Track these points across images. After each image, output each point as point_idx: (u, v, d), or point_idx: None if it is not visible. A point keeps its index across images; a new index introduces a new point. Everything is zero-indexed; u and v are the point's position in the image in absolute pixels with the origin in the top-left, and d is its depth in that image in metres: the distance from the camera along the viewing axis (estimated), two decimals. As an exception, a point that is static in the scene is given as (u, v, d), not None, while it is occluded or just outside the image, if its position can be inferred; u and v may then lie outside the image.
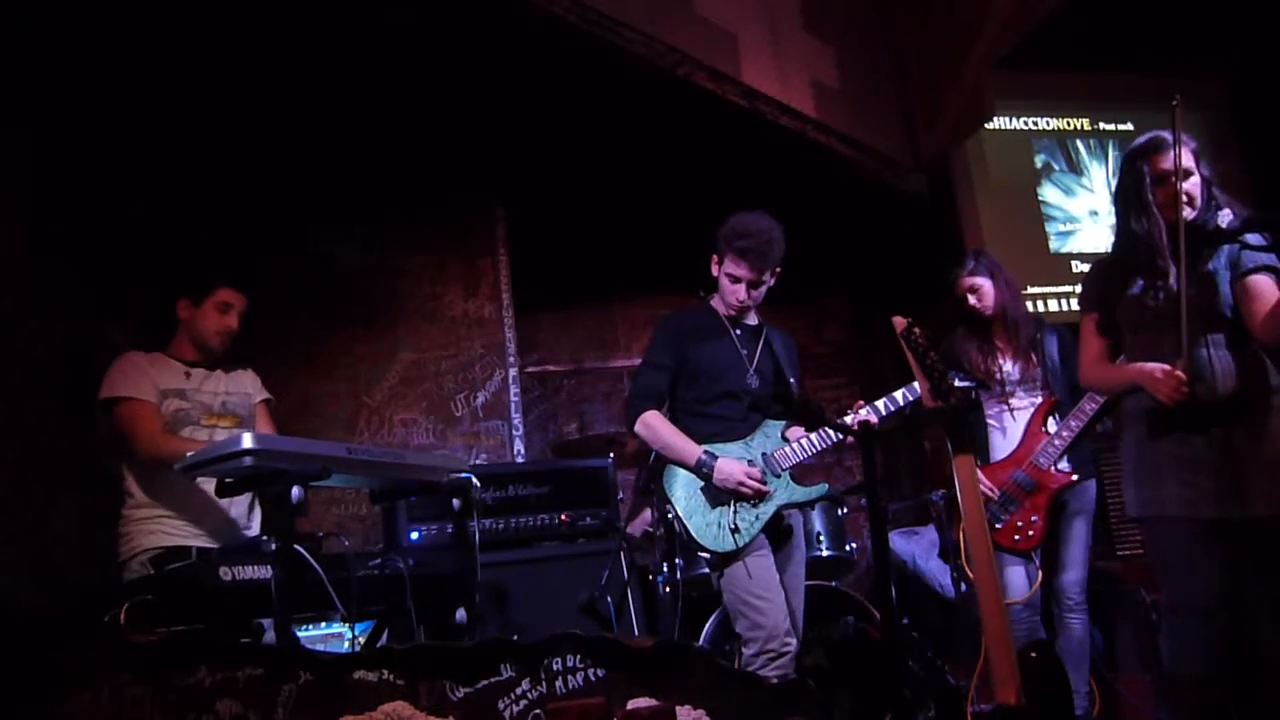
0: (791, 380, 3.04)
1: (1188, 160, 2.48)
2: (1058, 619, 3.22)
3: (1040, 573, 3.19)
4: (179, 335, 3.05)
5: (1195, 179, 2.49)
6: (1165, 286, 2.45)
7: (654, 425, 2.93)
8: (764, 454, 2.91)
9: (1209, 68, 5.60)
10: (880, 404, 2.94)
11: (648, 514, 3.72)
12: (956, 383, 2.40)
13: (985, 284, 3.42)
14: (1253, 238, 2.40)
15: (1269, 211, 2.38)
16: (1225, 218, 2.38)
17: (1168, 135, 2.50)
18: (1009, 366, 3.37)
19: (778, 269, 2.99)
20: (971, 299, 3.43)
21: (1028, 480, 3.19)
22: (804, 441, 2.92)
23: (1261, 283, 2.40)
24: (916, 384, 2.89)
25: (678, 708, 1.93)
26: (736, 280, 2.95)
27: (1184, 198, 2.45)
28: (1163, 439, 2.45)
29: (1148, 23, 4.99)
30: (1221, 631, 2.39)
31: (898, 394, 2.95)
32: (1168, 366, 2.38)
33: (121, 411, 2.84)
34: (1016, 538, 3.17)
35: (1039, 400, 3.30)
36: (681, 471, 2.90)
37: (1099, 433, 4.07)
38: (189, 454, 2.32)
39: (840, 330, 5.78)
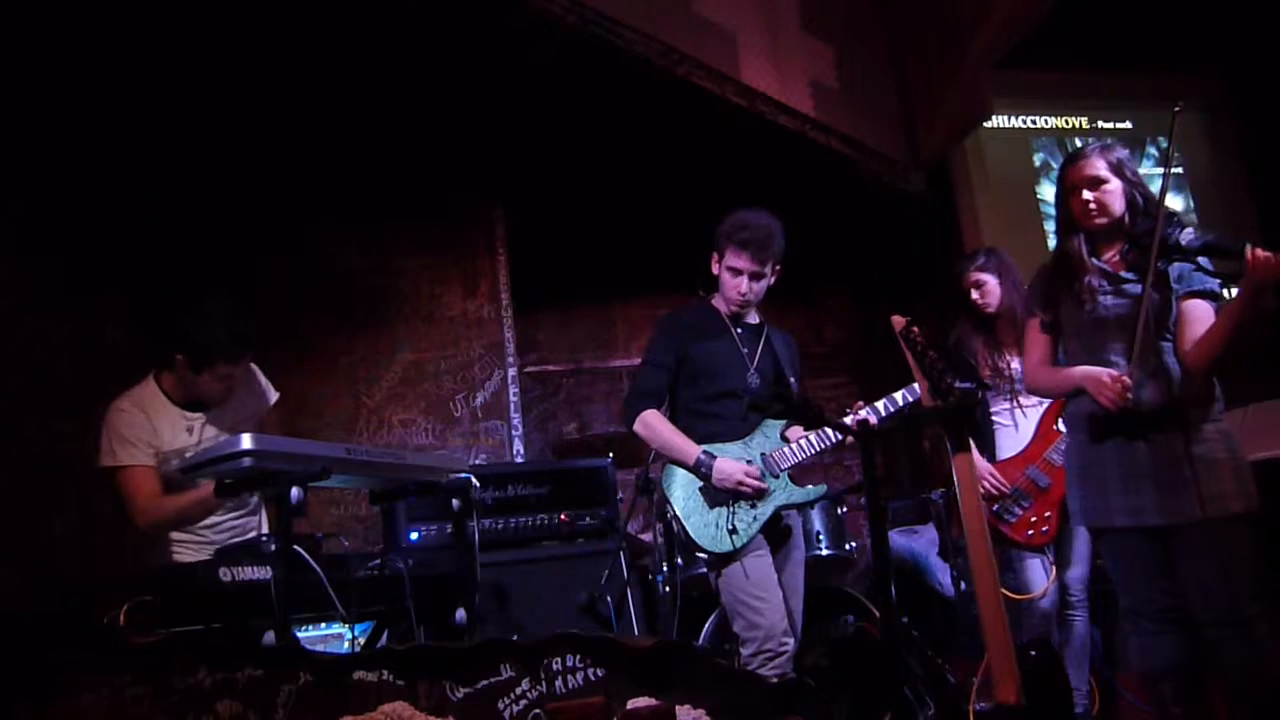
0: (792, 380, 3.04)
1: (1100, 168, 2.53)
2: (1062, 618, 3.21)
3: (1054, 569, 3.20)
4: (168, 377, 2.85)
5: (1111, 186, 2.52)
6: (1088, 295, 2.51)
7: (653, 424, 2.93)
8: (763, 454, 2.91)
9: (1208, 67, 5.60)
10: (880, 404, 2.94)
11: None
12: (956, 383, 2.40)
13: (991, 281, 3.42)
14: (1205, 262, 2.45)
15: (1226, 238, 2.39)
16: (1187, 235, 2.40)
17: (1086, 148, 2.59)
18: (1017, 364, 3.37)
19: (778, 266, 2.99)
20: (975, 294, 3.43)
21: (1042, 477, 3.20)
22: (803, 442, 2.92)
23: (1198, 307, 2.45)
24: (916, 385, 2.90)
25: (677, 707, 1.94)
26: (738, 273, 2.95)
27: (1092, 207, 2.52)
28: (1106, 445, 2.50)
29: (1147, 22, 4.99)
30: (1181, 628, 2.45)
31: (897, 395, 2.95)
32: (1114, 372, 2.43)
33: (118, 480, 2.77)
34: (1030, 534, 3.18)
35: (1049, 399, 3.32)
36: (680, 471, 2.89)
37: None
38: (187, 455, 2.32)
39: (840, 329, 5.79)
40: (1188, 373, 2.44)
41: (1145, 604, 2.50)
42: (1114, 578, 2.62)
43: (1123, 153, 2.57)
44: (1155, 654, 2.49)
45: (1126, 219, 2.53)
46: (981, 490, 3.29)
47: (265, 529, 2.96)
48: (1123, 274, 2.51)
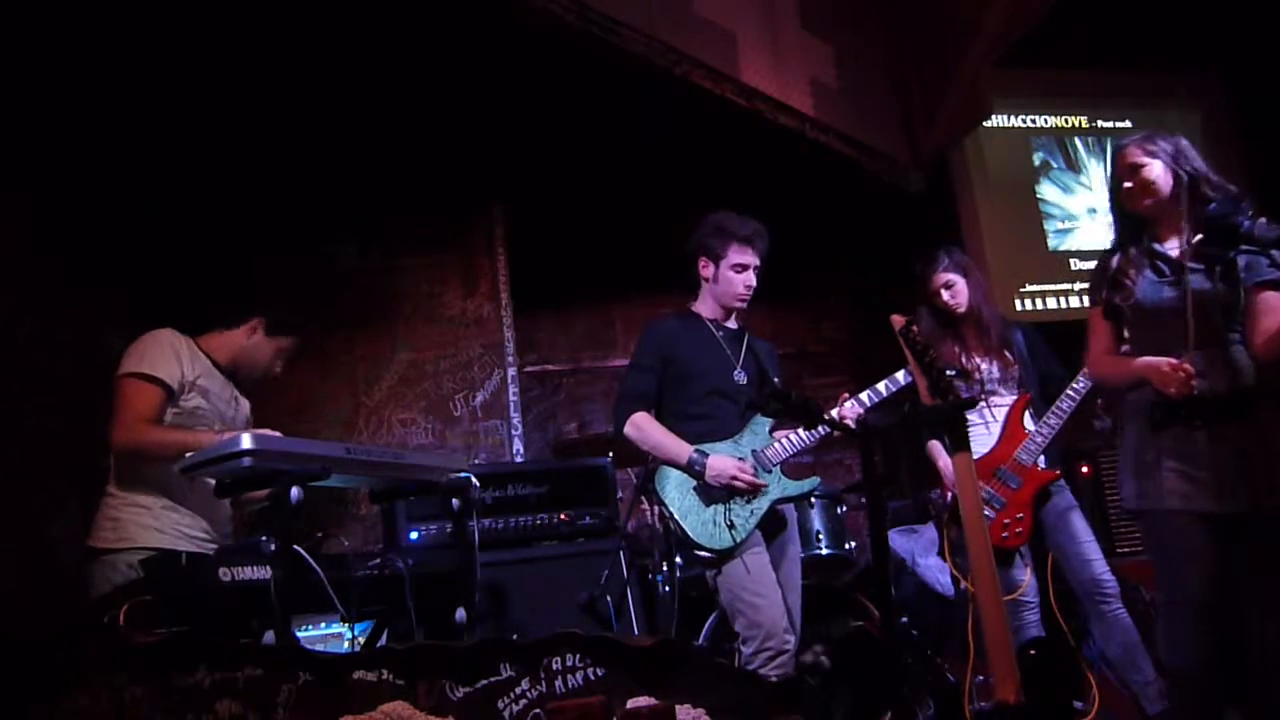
0: (775, 380, 3.07)
1: (1136, 155, 2.54)
2: (1101, 618, 3.16)
3: (1029, 570, 3.20)
4: (220, 338, 3.00)
5: (1150, 168, 2.51)
6: (1133, 281, 2.52)
7: (643, 426, 2.95)
8: (754, 451, 2.94)
9: (1207, 65, 5.60)
10: (865, 396, 2.98)
11: None
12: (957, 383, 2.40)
13: (960, 281, 3.41)
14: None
15: None
16: (1261, 225, 2.31)
17: (1126, 140, 2.61)
18: (986, 365, 3.37)
19: None
20: (945, 295, 3.41)
21: (1012, 478, 3.20)
22: (792, 437, 2.96)
23: (1269, 299, 2.39)
24: (899, 374, 2.93)
25: (677, 706, 1.94)
26: (743, 269, 3.03)
27: (1134, 191, 2.53)
28: (1164, 433, 2.46)
29: (1146, 20, 4.99)
30: (1216, 624, 2.41)
31: (880, 385, 2.99)
32: (1175, 360, 2.38)
33: (124, 385, 2.76)
34: (1005, 535, 3.17)
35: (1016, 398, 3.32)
36: (673, 472, 2.91)
37: (1097, 430, 4.08)
38: (188, 455, 2.32)
39: (838, 328, 5.77)
40: (1258, 364, 2.39)
41: (1182, 592, 2.44)
42: (1155, 564, 2.57)
43: (1165, 140, 2.55)
44: (1183, 649, 2.45)
45: (1182, 198, 2.49)
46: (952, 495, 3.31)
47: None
48: (1189, 264, 2.45)
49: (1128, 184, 2.55)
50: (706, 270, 3.09)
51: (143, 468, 2.78)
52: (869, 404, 2.97)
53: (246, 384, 3.09)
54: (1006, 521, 3.18)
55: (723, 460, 2.85)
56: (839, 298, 5.80)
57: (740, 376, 3.02)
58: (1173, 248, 2.52)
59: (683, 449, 2.88)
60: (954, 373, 3.20)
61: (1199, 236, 2.44)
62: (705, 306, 3.12)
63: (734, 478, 2.82)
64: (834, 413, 2.90)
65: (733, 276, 3.03)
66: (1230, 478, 2.36)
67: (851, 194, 5.08)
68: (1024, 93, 5.45)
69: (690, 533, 2.83)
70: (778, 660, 2.69)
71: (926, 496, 3.82)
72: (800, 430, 2.95)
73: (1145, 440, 2.52)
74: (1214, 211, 2.40)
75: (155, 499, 2.78)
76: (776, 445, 2.95)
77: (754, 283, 3.05)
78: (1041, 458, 3.23)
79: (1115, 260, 2.60)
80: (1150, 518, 2.53)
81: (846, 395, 3.00)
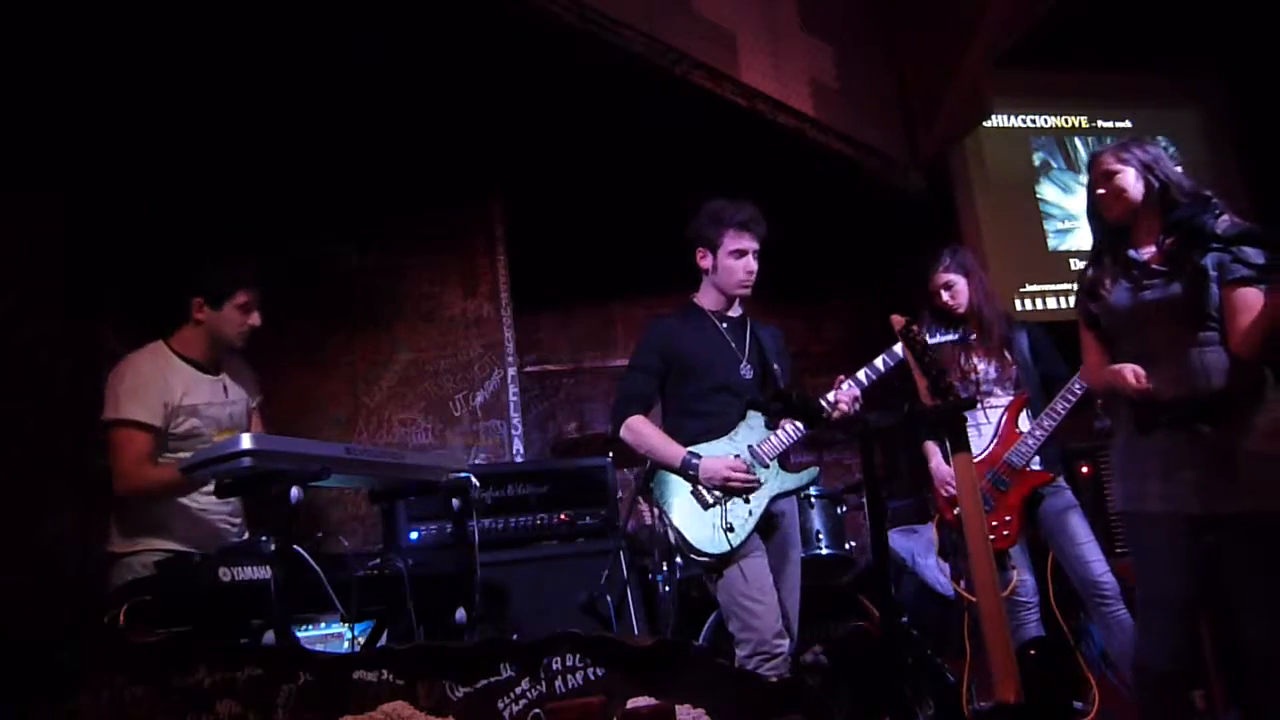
0: (776, 368, 3.04)
1: (1109, 162, 2.56)
2: (1102, 618, 3.17)
3: (1016, 571, 3.20)
4: (189, 331, 2.95)
5: (1122, 175, 2.52)
6: (1107, 288, 2.54)
7: (638, 429, 2.93)
8: (749, 446, 2.91)
9: (1206, 65, 5.60)
10: (861, 375, 2.96)
11: None
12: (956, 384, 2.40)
13: (960, 281, 3.40)
14: (1254, 253, 2.36)
15: (1270, 228, 2.33)
16: (1223, 224, 2.34)
17: (1101, 148, 2.65)
18: (983, 365, 3.36)
19: None
20: (945, 295, 3.41)
21: (1002, 480, 3.19)
22: (789, 428, 2.92)
23: (1247, 295, 2.39)
24: (896, 347, 2.90)
25: (677, 707, 1.94)
26: (742, 254, 2.99)
27: (1107, 198, 2.55)
28: (1149, 436, 2.48)
29: (1146, 21, 4.99)
30: (1189, 625, 2.46)
31: (878, 361, 2.98)
32: (1130, 365, 2.42)
33: (113, 435, 2.77)
34: (991, 538, 3.16)
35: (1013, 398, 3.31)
36: (672, 476, 2.89)
37: (1096, 429, 4.08)
38: (187, 455, 2.32)
39: (839, 329, 5.78)
40: (1237, 362, 2.39)
41: (1162, 594, 2.46)
42: (1135, 566, 2.60)
43: (1140, 148, 2.56)
44: (1156, 651, 2.47)
45: (1155, 204, 2.50)
46: (944, 495, 3.31)
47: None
48: (1155, 266, 2.47)
49: (1100, 190, 2.57)
50: (705, 261, 3.05)
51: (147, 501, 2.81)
52: (866, 382, 2.94)
53: (241, 350, 3.03)
54: (994, 524, 3.17)
55: (716, 462, 2.83)
56: (839, 298, 5.80)
57: (746, 371, 2.99)
58: (1147, 255, 2.53)
59: (676, 453, 2.86)
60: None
61: (1168, 240, 2.45)
62: (707, 298, 3.08)
63: (726, 478, 2.81)
64: (831, 396, 2.88)
65: (732, 264, 2.99)
66: (1212, 479, 2.37)
67: (851, 194, 5.08)
68: (1024, 93, 5.45)
69: (689, 538, 2.80)
70: (771, 664, 2.68)
71: (926, 496, 3.82)
72: (797, 421, 2.92)
73: (1132, 443, 2.54)
74: (1180, 214, 2.42)
75: (166, 511, 2.82)
76: (773, 438, 2.92)
77: (755, 268, 3.00)
78: (1036, 460, 3.22)
79: (1092, 270, 2.62)
80: (1133, 520, 2.55)
81: (843, 377, 2.96)
